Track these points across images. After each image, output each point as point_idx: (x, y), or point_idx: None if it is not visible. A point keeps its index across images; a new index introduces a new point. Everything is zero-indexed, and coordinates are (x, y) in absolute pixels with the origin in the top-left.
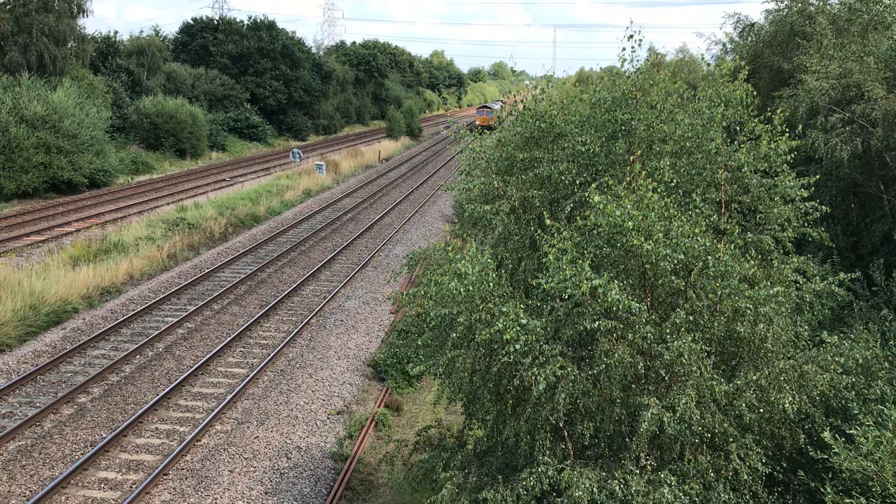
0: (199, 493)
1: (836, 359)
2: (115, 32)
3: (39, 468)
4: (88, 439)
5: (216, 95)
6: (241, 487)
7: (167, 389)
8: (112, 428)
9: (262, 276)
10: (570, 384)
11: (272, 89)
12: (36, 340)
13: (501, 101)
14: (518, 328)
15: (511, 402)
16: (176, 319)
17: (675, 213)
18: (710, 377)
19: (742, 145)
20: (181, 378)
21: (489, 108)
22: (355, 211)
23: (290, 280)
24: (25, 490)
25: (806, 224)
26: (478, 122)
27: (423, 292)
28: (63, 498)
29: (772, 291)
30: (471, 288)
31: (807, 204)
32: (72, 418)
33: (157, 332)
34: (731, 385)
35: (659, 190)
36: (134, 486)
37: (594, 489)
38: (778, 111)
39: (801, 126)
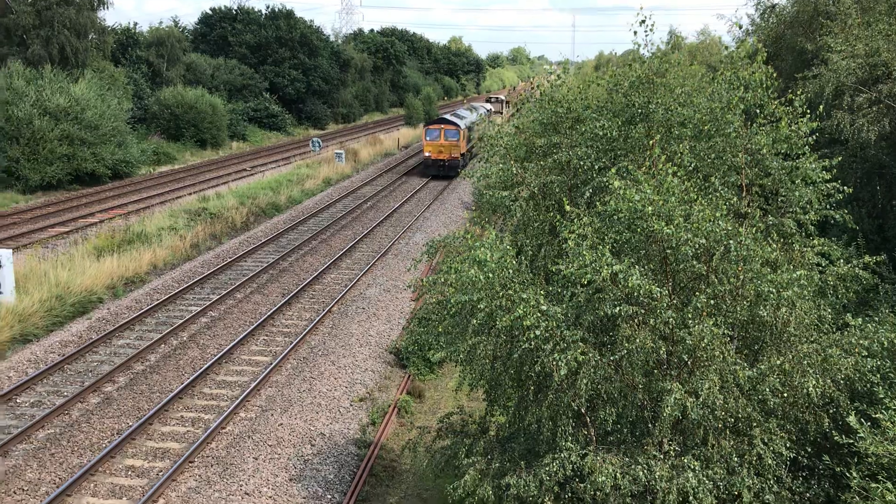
0: (225, 480)
1: (861, 342)
2: (135, 24)
3: (68, 456)
4: (115, 428)
5: (235, 85)
6: (265, 474)
7: (192, 378)
8: (138, 416)
9: (283, 264)
10: (592, 370)
11: (291, 78)
12: (62, 330)
13: (484, 105)
14: (538, 314)
15: (533, 388)
16: (199, 308)
17: (696, 197)
18: (733, 362)
19: (762, 128)
20: (205, 366)
21: (452, 122)
22: (375, 199)
23: (311, 268)
24: (55, 477)
25: (829, 206)
26: (428, 154)
27: (443, 279)
28: (91, 485)
29: (794, 275)
30: (490, 275)
31: (829, 185)
32: (98, 407)
33: (181, 321)
34: (754, 369)
35: (679, 174)
36: (160, 473)
37: (617, 474)
38: (799, 93)
39: (822, 107)
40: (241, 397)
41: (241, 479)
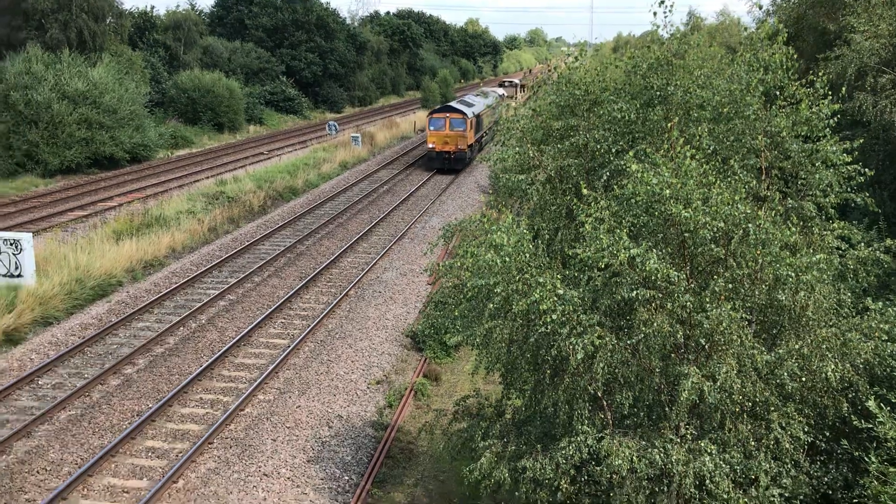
0: (244, 461)
1: (882, 326)
2: (152, 7)
3: (89, 437)
4: (135, 409)
5: (252, 69)
6: (284, 455)
7: (210, 360)
8: (158, 398)
9: (300, 248)
10: (609, 354)
11: (307, 62)
12: (82, 313)
13: (496, 90)
14: (555, 298)
15: (549, 371)
16: (218, 292)
17: (714, 180)
18: (751, 346)
19: (782, 110)
20: (224, 349)
21: (458, 110)
22: (391, 183)
23: (328, 252)
24: (77, 458)
25: (850, 189)
26: (431, 145)
27: (459, 263)
28: (112, 466)
29: (814, 258)
30: (507, 259)
31: (850, 168)
32: (119, 389)
33: (200, 304)
34: (772, 354)
35: (697, 157)
36: (180, 454)
37: (634, 458)
38: (820, 74)
39: (844, 88)
40: (260, 380)
41: (260, 460)
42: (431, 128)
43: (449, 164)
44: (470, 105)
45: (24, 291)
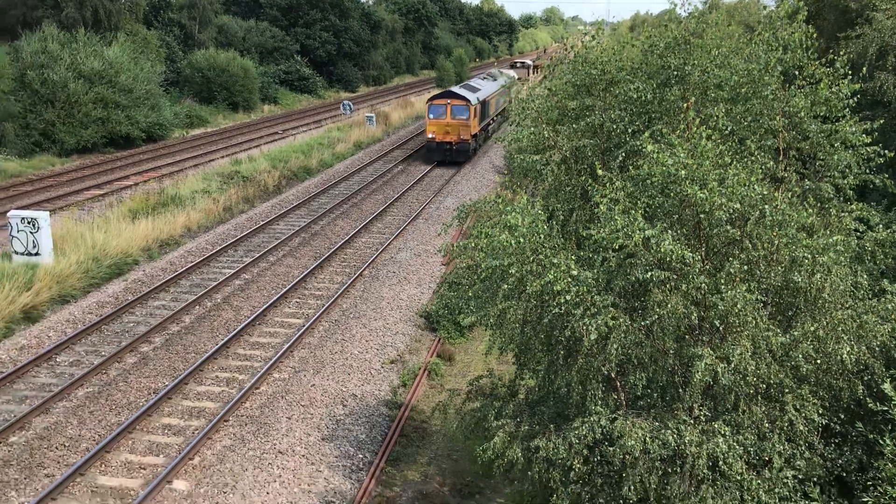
0: (259, 438)
1: None
2: None
3: (106, 414)
4: (151, 387)
5: (267, 48)
6: (298, 433)
7: (226, 339)
8: (174, 376)
9: (315, 228)
10: (623, 335)
11: (322, 40)
12: (99, 291)
13: (507, 72)
14: (569, 279)
15: (562, 352)
16: (233, 271)
17: (731, 160)
18: (766, 328)
19: (800, 90)
20: (239, 328)
21: (460, 96)
22: (406, 163)
23: (342, 232)
24: (94, 434)
25: (869, 171)
26: (431, 135)
27: (473, 244)
28: (129, 442)
29: (831, 240)
30: (521, 240)
31: (869, 149)
32: (135, 367)
33: (215, 283)
34: (787, 336)
35: (713, 137)
36: (196, 431)
37: (647, 438)
38: (841, 53)
39: (865, 68)
40: (275, 358)
41: (275, 437)
42: (431, 116)
43: (450, 155)
44: (475, 90)
45: (42, 270)
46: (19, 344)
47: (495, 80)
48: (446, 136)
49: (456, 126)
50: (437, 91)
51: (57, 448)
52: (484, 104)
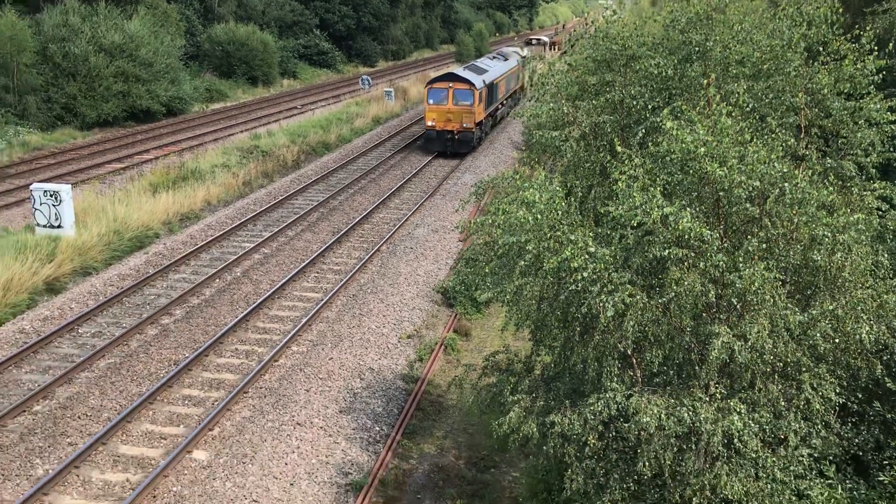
0: (278, 410)
1: None
2: None
3: (127, 385)
4: (172, 358)
5: (286, 22)
6: (316, 406)
7: (245, 312)
8: (194, 348)
9: (333, 203)
10: (639, 312)
11: (341, 14)
12: (120, 264)
13: (518, 51)
14: (586, 256)
15: (579, 329)
16: (252, 245)
17: (751, 138)
18: (784, 306)
19: (824, 66)
20: (259, 301)
21: (464, 79)
22: (424, 138)
23: (360, 208)
24: (115, 404)
25: (893, 149)
26: (431, 123)
27: (490, 221)
28: (150, 413)
29: (851, 219)
30: (539, 216)
31: (894, 127)
32: (156, 338)
33: (235, 257)
34: (805, 314)
35: (734, 114)
36: (216, 402)
37: (662, 415)
38: (867, 29)
39: (892, 44)
40: (293, 332)
41: (294, 409)
42: (430, 101)
43: (452, 146)
44: (481, 71)
45: (64, 242)
46: (42, 315)
47: (506, 59)
48: (447, 123)
49: (458, 113)
50: (456, 66)
51: (79, 417)
52: (491, 88)
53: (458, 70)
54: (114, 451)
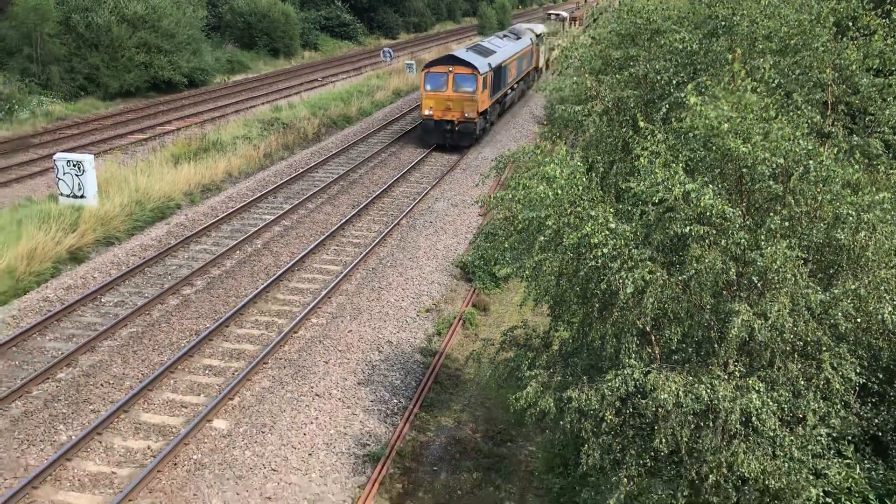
0: (297, 381)
1: None
2: None
3: (149, 354)
4: (193, 328)
5: None
6: (335, 377)
7: (266, 284)
8: (215, 319)
9: (353, 176)
10: (659, 289)
11: None
12: (143, 234)
13: (532, 28)
14: (606, 232)
15: (598, 305)
16: (273, 217)
17: (775, 114)
18: (806, 285)
19: (853, 42)
20: (279, 273)
21: (466, 62)
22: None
23: (380, 181)
24: (137, 373)
25: None
26: (428, 112)
27: (511, 195)
28: (172, 381)
29: (877, 197)
30: (559, 192)
31: None
32: (177, 309)
33: (256, 228)
34: (827, 293)
35: (759, 90)
36: (236, 373)
37: (680, 392)
38: None
39: None
40: (313, 304)
41: (312, 381)
42: (427, 87)
43: (451, 138)
44: (487, 53)
45: (87, 212)
46: (66, 284)
47: (518, 38)
48: (447, 112)
49: (459, 101)
50: (478, 38)
51: (102, 385)
52: (499, 71)
53: (460, 52)
54: (135, 418)
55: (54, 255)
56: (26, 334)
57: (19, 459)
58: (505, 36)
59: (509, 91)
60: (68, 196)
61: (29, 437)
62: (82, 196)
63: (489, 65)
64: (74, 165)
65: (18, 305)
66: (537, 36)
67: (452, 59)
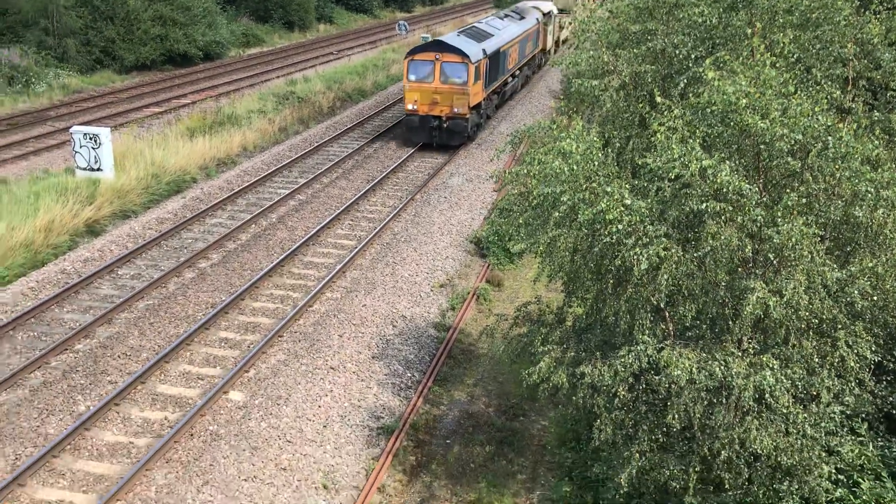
0: (312, 354)
1: None
2: None
3: (166, 326)
4: (209, 301)
5: None
6: (349, 351)
7: (281, 258)
8: (230, 292)
9: (368, 150)
10: (674, 266)
11: None
12: (158, 208)
13: (539, 5)
14: (622, 208)
15: (612, 281)
16: (288, 191)
17: (794, 90)
18: (822, 262)
19: (876, 16)
20: (294, 247)
21: (456, 49)
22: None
23: (395, 155)
24: (154, 345)
25: None
26: (412, 106)
27: (526, 171)
28: (188, 353)
29: None
30: (575, 167)
31: None
32: (193, 282)
33: (271, 203)
34: (844, 271)
35: (778, 65)
36: (251, 345)
37: (693, 369)
38: None
39: None
40: (328, 278)
41: (327, 354)
42: (411, 77)
43: (438, 136)
44: (482, 37)
45: (104, 185)
46: (83, 256)
47: (522, 18)
48: (433, 107)
49: (448, 94)
50: (495, 11)
51: (119, 357)
52: (496, 58)
53: (449, 36)
54: (152, 389)
55: (72, 227)
56: (44, 306)
57: (39, 429)
58: (507, 16)
59: (510, 79)
60: (85, 169)
61: (48, 407)
62: (99, 169)
63: (483, 51)
64: (91, 138)
65: (37, 277)
66: (544, 14)
67: (440, 45)
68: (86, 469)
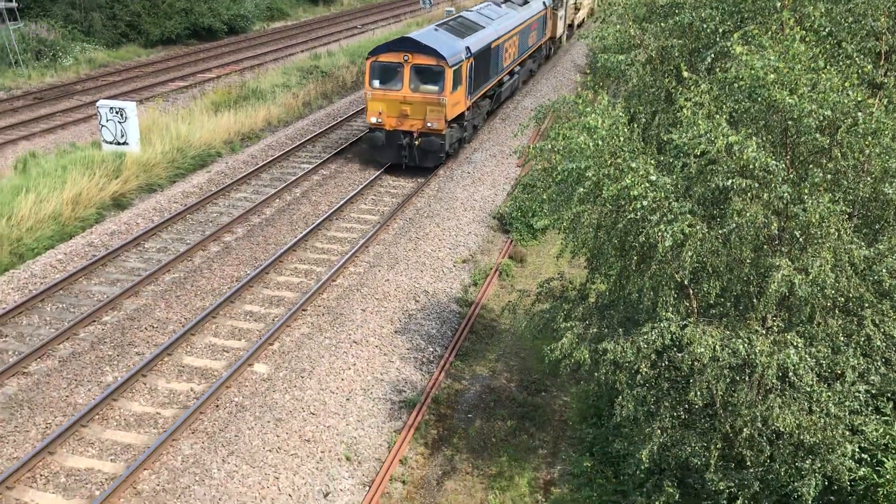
0: (335, 328)
1: None
2: None
3: (192, 299)
4: (234, 275)
5: None
6: (372, 325)
7: (305, 232)
8: (255, 266)
9: None
10: (699, 242)
11: None
12: (184, 182)
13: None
14: (647, 184)
15: (636, 258)
16: (312, 166)
17: (824, 64)
18: (850, 240)
19: None
20: (318, 222)
21: (429, 49)
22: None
23: None
24: (180, 317)
25: None
26: (376, 119)
27: (550, 146)
28: (213, 326)
29: None
30: (600, 142)
31: None
32: (218, 255)
33: (295, 177)
34: (872, 249)
35: (808, 39)
36: (276, 319)
37: (717, 346)
38: None
39: None
40: (351, 252)
41: (350, 328)
42: (375, 83)
43: (409, 156)
44: (468, 30)
45: (130, 159)
46: (110, 230)
47: (526, 1)
48: (402, 121)
49: (420, 104)
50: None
51: (146, 329)
52: (485, 55)
53: (423, 32)
54: (178, 361)
55: (98, 200)
56: (72, 278)
57: (68, 398)
58: (506, 1)
59: (505, 78)
60: (111, 143)
61: (77, 378)
62: (125, 143)
63: (468, 49)
64: (117, 112)
65: (64, 250)
66: (544, 4)
67: (409, 43)
68: (113, 438)
